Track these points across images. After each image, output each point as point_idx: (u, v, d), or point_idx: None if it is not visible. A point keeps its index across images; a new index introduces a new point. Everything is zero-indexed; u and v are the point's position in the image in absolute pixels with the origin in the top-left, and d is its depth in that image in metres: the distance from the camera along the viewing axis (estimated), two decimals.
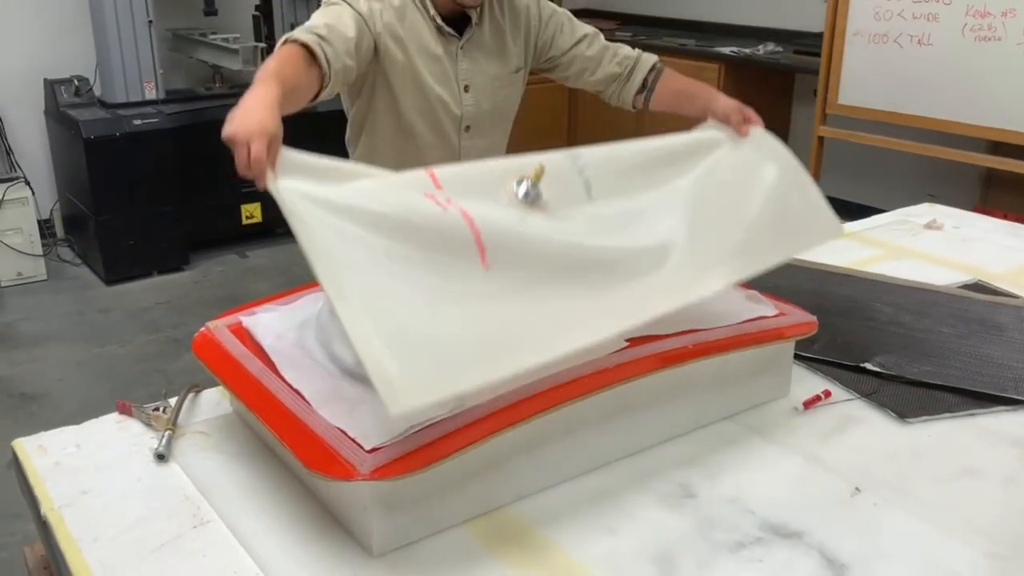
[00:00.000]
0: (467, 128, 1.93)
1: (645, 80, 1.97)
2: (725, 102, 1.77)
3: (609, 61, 1.97)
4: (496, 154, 1.95)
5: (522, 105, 2.04)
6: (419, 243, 1.26)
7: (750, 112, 1.75)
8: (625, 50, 1.99)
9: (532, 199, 1.41)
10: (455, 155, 1.93)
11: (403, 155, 1.88)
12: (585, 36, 1.98)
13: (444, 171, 1.39)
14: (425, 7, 1.83)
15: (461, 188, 1.36)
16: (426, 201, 1.31)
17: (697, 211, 1.58)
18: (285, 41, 1.58)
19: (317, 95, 1.63)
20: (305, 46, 1.57)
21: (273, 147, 1.32)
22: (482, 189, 1.39)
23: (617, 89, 1.99)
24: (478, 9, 1.86)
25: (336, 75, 1.63)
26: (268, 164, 1.32)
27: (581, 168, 1.52)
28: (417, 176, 1.37)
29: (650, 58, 1.99)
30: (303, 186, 1.31)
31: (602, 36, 2.01)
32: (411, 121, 1.86)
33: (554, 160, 1.46)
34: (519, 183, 1.41)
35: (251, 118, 1.36)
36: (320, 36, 1.60)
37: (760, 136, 1.72)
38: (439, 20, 1.84)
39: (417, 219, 1.28)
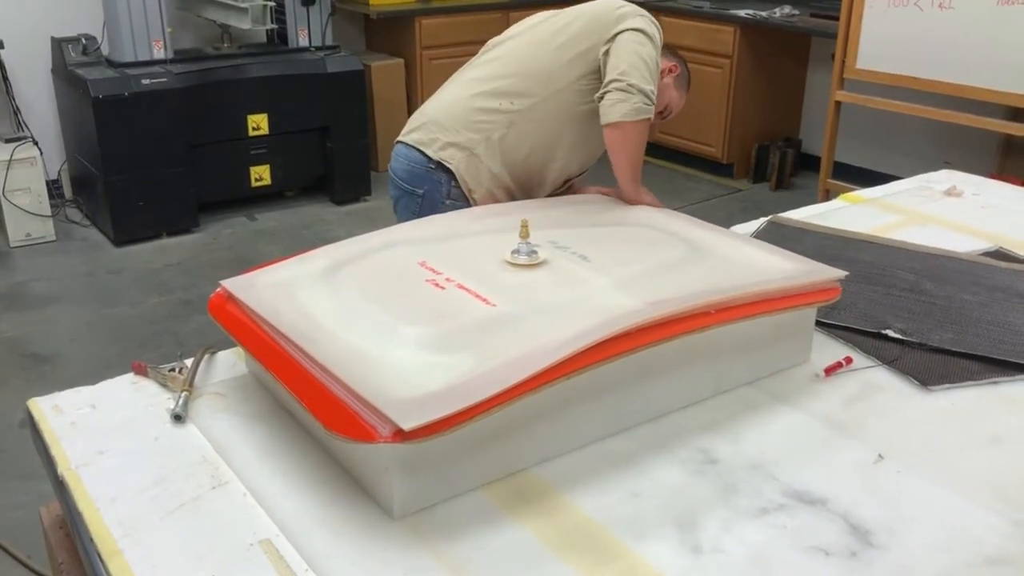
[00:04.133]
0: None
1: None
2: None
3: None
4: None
5: None
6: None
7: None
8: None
9: (526, 253, 1.54)
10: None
11: (561, 148, 2.07)
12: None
13: (436, 259, 1.55)
14: None
15: (458, 268, 1.51)
16: (427, 285, 1.46)
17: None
18: (640, 119, 1.91)
19: None
20: None
21: None
22: (480, 262, 1.54)
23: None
24: None
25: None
26: None
27: (565, 249, 1.61)
28: (412, 267, 1.53)
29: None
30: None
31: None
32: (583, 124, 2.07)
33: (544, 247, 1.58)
34: (513, 251, 1.55)
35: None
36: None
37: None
38: None
39: (421, 297, 1.43)
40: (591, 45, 2.00)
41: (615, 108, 1.90)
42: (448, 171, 2.06)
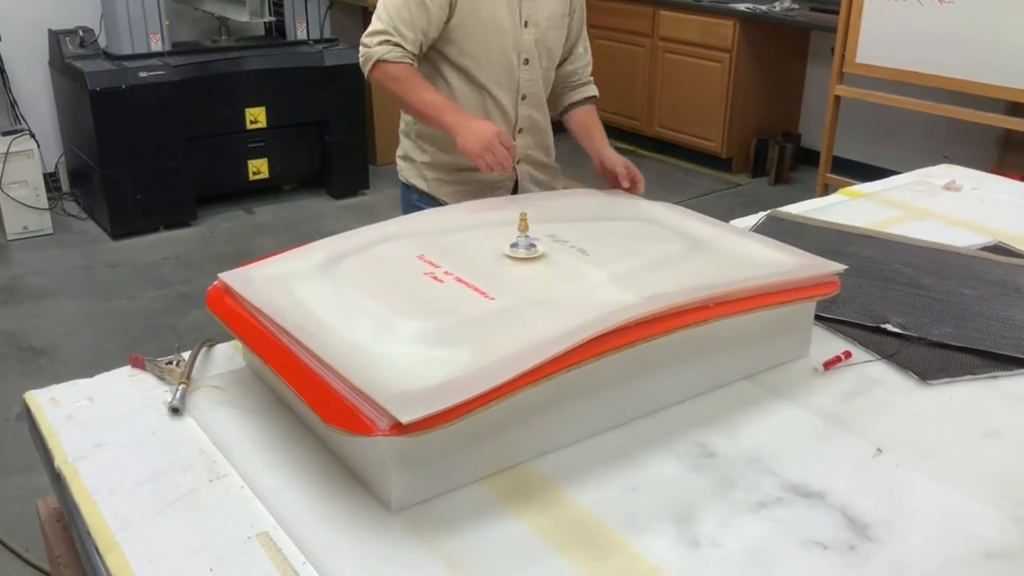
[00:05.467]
0: (525, 61, 2.05)
1: (579, 101, 2.19)
2: (612, 155, 2.02)
3: (577, 61, 2.18)
4: (545, 91, 2.15)
5: None
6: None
7: (636, 173, 1.97)
8: (588, 66, 2.22)
9: (525, 246, 1.53)
10: (515, 90, 2.07)
11: (467, 100, 2.04)
12: (582, 29, 2.19)
13: (434, 252, 1.54)
14: None
15: (456, 262, 1.50)
16: (425, 278, 1.45)
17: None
18: (376, 63, 1.92)
19: None
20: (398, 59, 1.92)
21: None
22: (478, 255, 1.54)
23: (562, 89, 2.19)
24: None
25: (422, 55, 1.98)
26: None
27: (564, 242, 1.61)
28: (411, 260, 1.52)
29: (594, 89, 2.22)
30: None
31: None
32: (476, 59, 2.00)
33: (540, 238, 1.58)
34: (512, 244, 1.54)
35: (480, 126, 1.84)
36: (393, 43, 1.91)
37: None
38: None
39: (419, 290, 1.42)
40: None
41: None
42: (405, 185, 2.21)
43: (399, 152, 2.23)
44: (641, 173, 2.02)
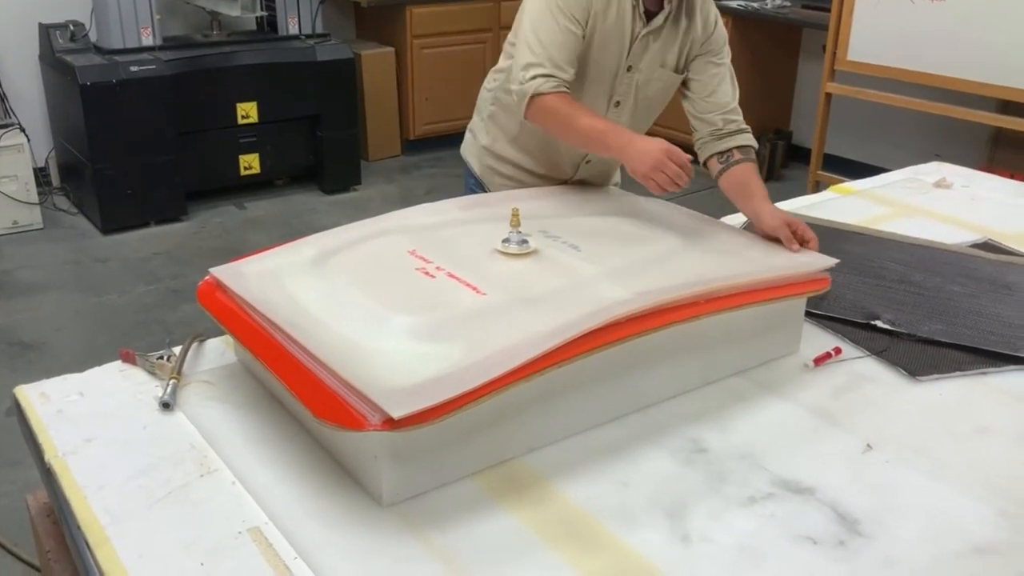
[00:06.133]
0: (616, 103, 1.91)
1: (733, 151, 1.85)
2: (770, 216, 1.72)
3: (717, 110, 1.90)
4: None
5: None
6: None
7: (805, 232, 1.69)
8: (738, 114, 1.91)
9: (517, 242, 1.53)
10: None
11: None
12: (723, 65, 1.94)
13: (426, 247, 1.55)
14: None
15: (448, 257, 1.50)
16: (416, 273, 1.46)
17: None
18: (532, 99, 1.74)
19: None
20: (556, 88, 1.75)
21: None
22: (470, 251, 1.54)
23: (706, 139, 1.90)
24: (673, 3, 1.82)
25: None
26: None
27: (556, 238, 1.62)
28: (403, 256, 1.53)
29: (752, 139, 1.89)
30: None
31: (734, 78, 1.96)
32: (570, 90, 1.80)
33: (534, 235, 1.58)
34: (504, 240, 1.54)
35: (648, 145, 1.65)
36: (546, 74, 1.73)
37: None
38: (642, 6, 1.80)
39: (411, 286, 1.43)
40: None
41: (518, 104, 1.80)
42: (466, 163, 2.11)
43: (469, 125, 2.11)
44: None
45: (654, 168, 1.61)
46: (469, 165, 2.10)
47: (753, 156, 1.88)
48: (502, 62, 1.99)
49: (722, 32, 1.92)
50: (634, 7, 1.79)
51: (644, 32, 1.82)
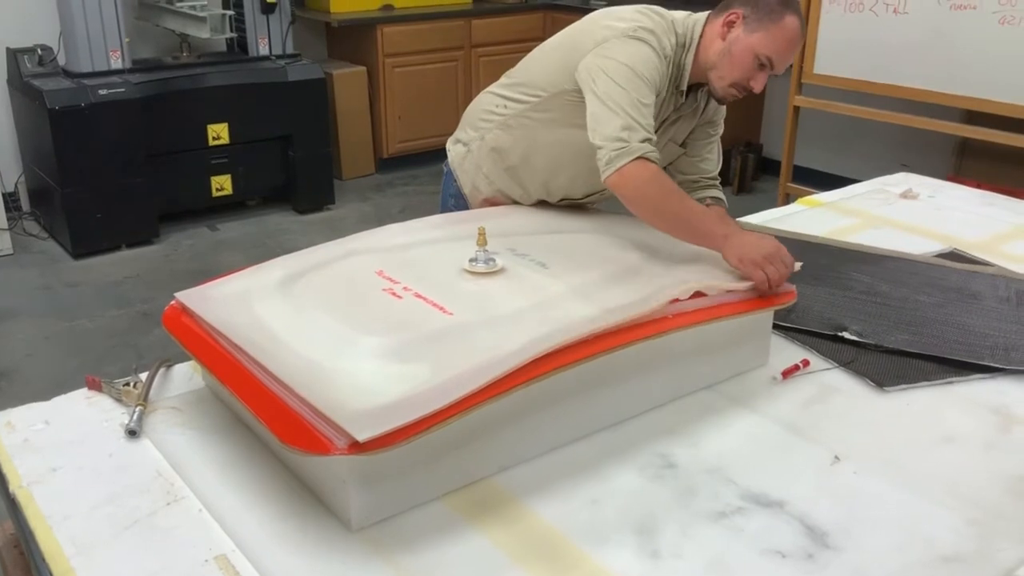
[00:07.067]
0: None
1: (706, 199, 1.91)
2: (735, 257, 1.61)
3: (700, 174, 1.96)
4: None
5: None
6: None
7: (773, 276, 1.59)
8: (718, 178, 1.98)
9: (484, 260, 1.54)
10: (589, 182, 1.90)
11: (554, 165, 1.90)
12: (716, 135, 1.98)
13: (393, 267, 1.55)
14: (681, 74, 1.78)
15: (415, 277, 1.51)
16: (383, 294, 1.46)
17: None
18: (638, 160, 1.63)
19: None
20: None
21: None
22: (438, 270, 1.54)
23: (682, 186, 1.85)
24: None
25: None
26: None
27: (524, 256, 1.62)
28: (370, 276, 1.53)
29: (723, 194, 1.96)
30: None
31: (720, 147, 2.01)
32: (582, 144, 1.74)
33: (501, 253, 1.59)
34: (471, 259, 1.55)
35: (762, 240, 1.61)
36: (647, 138, 1.66)
37: None
38: (684, 85, 1.80)
39: (377, 307, 1.43)
40: (568, 60, 1.79)
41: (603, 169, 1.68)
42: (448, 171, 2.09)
43: (459, 135, 2.05)
44: None
45: (768, 259, 1.55)
46: (457, 179, 2.05)
47: (724, 207, 1.93)
48: (507, 86, 1.96)
49: (724, 107, 1.95)
50: (673, 90, 1.80)
51: (675, 117, 1.86)
